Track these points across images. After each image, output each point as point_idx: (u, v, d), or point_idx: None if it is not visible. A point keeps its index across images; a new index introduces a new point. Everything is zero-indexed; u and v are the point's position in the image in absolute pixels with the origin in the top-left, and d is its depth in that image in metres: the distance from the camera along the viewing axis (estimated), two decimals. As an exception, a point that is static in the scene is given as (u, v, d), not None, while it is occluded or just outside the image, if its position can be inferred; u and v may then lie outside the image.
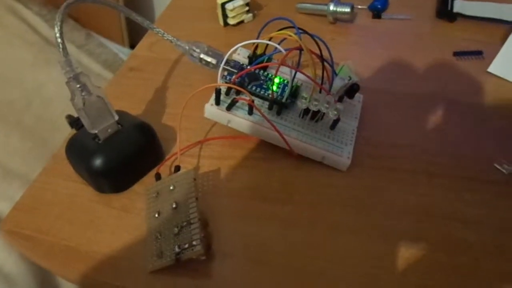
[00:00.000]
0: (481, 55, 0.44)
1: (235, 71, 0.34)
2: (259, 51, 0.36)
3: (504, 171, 0.33)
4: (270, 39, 0.33)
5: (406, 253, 0.28)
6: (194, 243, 0.26)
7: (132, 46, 1.05)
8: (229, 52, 0.32)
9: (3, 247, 0.52)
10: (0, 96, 0.74)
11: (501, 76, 0.41)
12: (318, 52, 0.32)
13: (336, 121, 0.32)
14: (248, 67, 0.34)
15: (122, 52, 0.98)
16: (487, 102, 0.39)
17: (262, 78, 0.34)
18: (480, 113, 0.38)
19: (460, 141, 0.35)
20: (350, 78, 0.34)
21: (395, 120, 0.37)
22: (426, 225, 0.30)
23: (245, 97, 0.32)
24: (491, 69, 0.42)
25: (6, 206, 0.60)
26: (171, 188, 0.30)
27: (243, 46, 0.32)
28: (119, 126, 0.31)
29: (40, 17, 0.88)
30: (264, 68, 0.35)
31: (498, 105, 0.39)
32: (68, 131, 0.34)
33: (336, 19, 0.49)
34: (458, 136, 0.36)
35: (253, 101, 0.31)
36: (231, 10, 0.47)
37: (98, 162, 0.30)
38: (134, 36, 1.03)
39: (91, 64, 0.91)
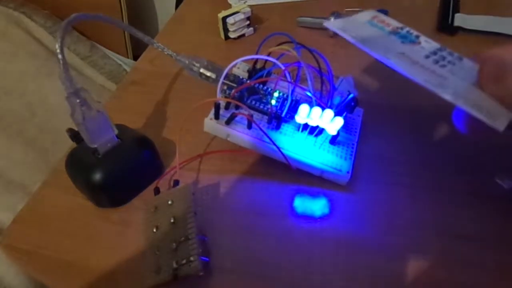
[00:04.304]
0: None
1: (235, 85, 0.34)
2: (258, 65, 0.36)
3: (505, 185, 0.33)
4: (269, 54, 0.33)
5: (405, 269, 0.28)
6: (191, 258, 0.26)
7: (136, 57, 1.05)
8: (228, 67, 0.32)
9: (3, 259, 0.52)
10: (4, 107, 0.75)
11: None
12: (317, 66, 0.33)
13: (335, 136, 0.32)
14: (248, 81, 0.35)
15: (126, 63, 0.99)
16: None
17: (262, 92, 0.34)
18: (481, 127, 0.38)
19: (461, 155, 0.35)
20: (349, 92, 0.34)
21: (395, 134, 0.37)
22: (426, 241, 0.30)
23: (244, 112, 0.32)
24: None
25: (8, 216, 0.60)
26: (170, 202, 0.30)
27: (243, 60, 0.33)
28: (119, 140, 0.32)
29: (45, 29, 0.89)
30: (264, 82, 0.35)
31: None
32: (70, 143, 0.34)
33: (337, 33, 0.49)
34: (458, 150, 0.36)
35: (252, 116, 0.31)
36: (232, 24, 0.48)
37: (97, 176, 0.30)
38: (138, 47, 1.04)
39: (95, 76, 0.92)
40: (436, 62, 0.25)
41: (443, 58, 0.25)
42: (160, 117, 0.39)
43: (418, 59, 0.25)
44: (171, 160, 0.35)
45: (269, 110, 0.33)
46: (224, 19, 0.47)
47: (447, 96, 0.23)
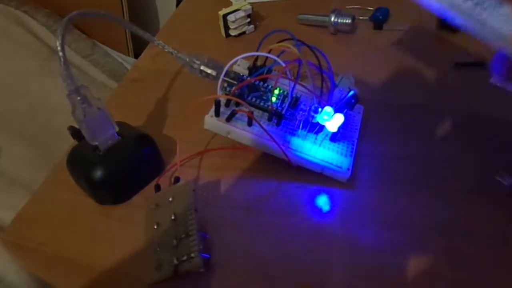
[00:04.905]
0: (483, 66, 0.43)
1: (235, 82, 0.34)
2: (259, 63, 0.36)
3: (505, 183, 0.33)
4: (269, 51, 0.33)
5: (406, 266, 0.28)
6: (192, 255, 0.26)
7: (137, 55, 1.05)
8: (229, 64, 0.32)
9: (5, 256, 0.52)
10: (6, 105, 0.75)
11: (503, 87, 0.41)
12: (317, 63, 0.33)
13: (335, 133, 0.32)
14: (248, 78, 0.35)
15: (127, 61, 0.99)
16: (489, 113, 0.39)
17: (262, 89, 0.34)
18: (481, 125, 0.38)
19: (461, 152, 0.35)
20: (350, 89, 0.35)
21: (396, 131, 0.37)
22: (427, 238, 0.30)
23: (244, 109, 0.32)
24: (493, 80, 0.42)
25: (10, 214, 0.60)
26: (170, 199, 0.30)
27: (244, 58, 0.33)
28: (120, 137, 0.32)
29: (46, 28, 0.89)
30: (264, 80, 0.35)
31: (500, 116, 0.38)
32: (72, 141, 0.34)
33: (337, 30, 0.49)
34: (458, 147, 0.36)
35: (252, 113, 0.31)
36: (233, 22, 0.48)
37: (98, 173, 0.30)
38: (139, 45, 1.04)
39: (97, 74, 0.92)
40: (476, 4, 0.25)
41: (483, 1, 0.25)
42: (161, 114, 0.40)
43: (457, 1, 0.25)
44: (172, 157, 0.35)
45: (270, 107, 0.33)
46: (224, 16, 0.47)
47: (488, 35, 0.23)
